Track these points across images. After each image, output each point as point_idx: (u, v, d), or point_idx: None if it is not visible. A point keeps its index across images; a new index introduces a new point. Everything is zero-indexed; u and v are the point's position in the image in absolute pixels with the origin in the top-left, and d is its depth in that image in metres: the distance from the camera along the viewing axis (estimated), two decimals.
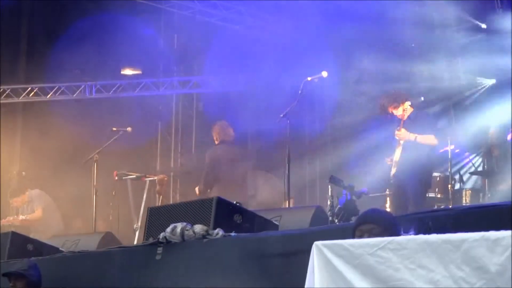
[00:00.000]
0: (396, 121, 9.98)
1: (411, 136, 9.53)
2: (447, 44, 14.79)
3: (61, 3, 15.52)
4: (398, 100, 9.86)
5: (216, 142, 11.76)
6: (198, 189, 11.62)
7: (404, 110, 9.77)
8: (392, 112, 9.91)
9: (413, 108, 9.91)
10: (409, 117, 9.78)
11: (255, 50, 16.15)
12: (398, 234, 4.35)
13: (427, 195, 11.98)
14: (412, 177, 9.51)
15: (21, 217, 12.64)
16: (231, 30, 16.15)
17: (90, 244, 8.80)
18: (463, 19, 14.32)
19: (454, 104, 14.97)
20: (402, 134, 9.58)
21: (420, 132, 9.60)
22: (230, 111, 16.51)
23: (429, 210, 6.53)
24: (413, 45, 15.04)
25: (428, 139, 9.60)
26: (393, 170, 9.71)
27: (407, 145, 9.62)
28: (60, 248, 8.63)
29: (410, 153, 9.56)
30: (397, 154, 9.67)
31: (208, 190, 11.40)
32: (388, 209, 11.31)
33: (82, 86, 16.97)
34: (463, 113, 14.70)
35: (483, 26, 14.35)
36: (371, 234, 4.56)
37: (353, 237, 4.68)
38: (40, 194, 13.25)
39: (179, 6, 15.71)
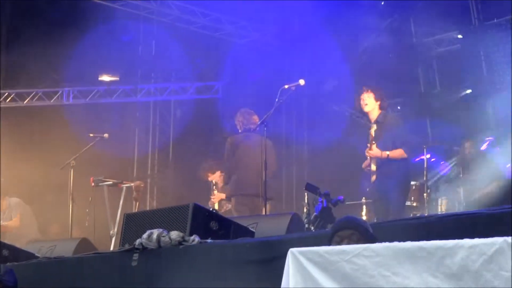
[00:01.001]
0: (366, 124, 9.98)
1: (383, 154, 9.53)
2: (423, 53, 14.89)
3: (39, 8, 15.45)
4: (375, 91, 9.84)
5: (240, 131, 11.59)
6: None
7: (368, 104, 9.78)
8: (361, 98, 9.88)
9: (381, 110, 9.87)
10: (377, 120, 9.75)
11: (233, 57, 16.18)
12: (374, 241, 4.37)
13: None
14: (392, 185, 9.53)
15: None
16: (209, 37, 16.17)
17: (66, 250, 8.77)
18: (440, 29, 14.42)
19: (430, 113, 15.05)
20: (373, 152, 9.57)
21: (390, 140, 9.59)
22: (207, 118, 16.55)
23: (405, 218, 6.58)
24: (390, 55, 15.12)
25: (399, 154, 9.64)
26: (373, 178, 9.73)
27: (381, 159, 9.64)
28: (36, 254, 8.58)
29: (387, 164, 9.59)
30: (373, 166, 9.69)
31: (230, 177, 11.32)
32: (364, 217, 11.36)
33: (60, 92, 16.92)
34: (439, 122, 14.78)
35: (459, 36, 14.45)
36: (351, 240, 4.58)
37: (329, 243, 4.69)
38: (18, 202, 13.25)
39: (158, 13, 15.71)
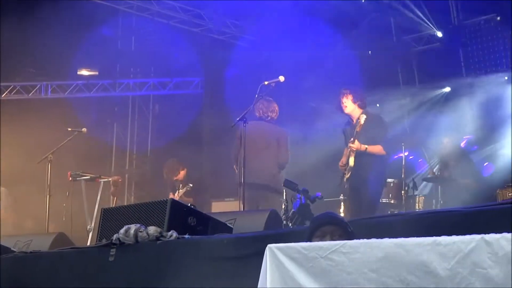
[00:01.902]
0: (348, 123, 10.00)
1: (362, 147, 9.57)
2: (403, 51, 14.94)
3: (15, 2, 15.35)
4: (353, 93, 9.89)
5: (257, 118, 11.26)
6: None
7: (348, 106, 9.83)
8: (341, 102, 9.91)
9: (361, 109, 9.90)
10: (358, 119, 9.77)
11: (213, 52, 16.17)
12: (354, 238, 4.36)
13: (380, 201, 12.11)
14: (366, 182, 9.57)
15: None
16: (189, 33, 16.13)
17: (43, 244, 8.70)
18: (420, 27, 14.47)
19: (408, 110, 15.11)
20: (355, 146, 9.60)
21: (371, 136, 9.64)
22: (186, 114, 16.52)
23: (382, 215, 6.59)
24: (369, 52, 15.17)
25: (377, 149, 9.69)
26: (347, 175, 9.74)
27: (360, 152, 9.67)
28: (12, 248, 8.52)
29: (364, 158, 9.62)
30: (351, 161, 9.71)
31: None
32: (342, 214, 11.39)
33: (38, 86, 16.84)
34: (418, 120, 14.85)
35: (439, 34, 14.50)
36: (334, 235, 4.57)
37: (310, 237, 4.67)
38: (6, 193, 13.23)
39: (137, 8, 15.65)
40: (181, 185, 13.32)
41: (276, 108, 10.92)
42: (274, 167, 10.48)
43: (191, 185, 13.33)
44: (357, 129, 9.61)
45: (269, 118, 10.86)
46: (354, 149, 9.61)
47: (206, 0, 15.35)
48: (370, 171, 9.57)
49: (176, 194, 13.18)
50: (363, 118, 9.58)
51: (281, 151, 10.57)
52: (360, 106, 9.90)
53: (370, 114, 9.86)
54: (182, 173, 13.50)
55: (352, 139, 9.66)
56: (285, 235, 5.60)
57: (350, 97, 9.87)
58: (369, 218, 5.65)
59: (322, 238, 4.59)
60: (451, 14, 14.23)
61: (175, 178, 13.48)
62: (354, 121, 9.85)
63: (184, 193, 13.30)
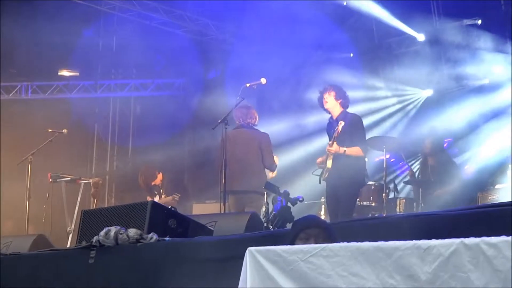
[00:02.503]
0: (330, 123, 9.95)
1: (340, 150, 9.49)
2: (385, 53, 14.98)
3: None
4: (337, 91, 9.85)
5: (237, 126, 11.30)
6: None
7: (330, 102, 9.80)
8: (323, 97, 9.87)
9: (342, 109, 9.88)
10: (337, 118, 9.74)
11: (194, 54, 16.16)
12: (336, 241, 4.34)
13: (361, 203, 12.12)
14: (343, 184, 9.54)
15: None
16: (171, 34, 16.11)
17: (22, 246, 8.65)
18: (401, 30, 14.51)
19: (390, 113, 15.15)
20: (334, 148, 9.54)
21: (349, 137, 9.64)
22: (168, 116, 16.50)
23: (363, 218, 6.59)
24: (351, 54, 15.21)
25: (355, 151, 9.60)
26: (325, 175, 9.72)
27: (338, 154, 9.62)
28: None
29: (341, 161, 9.58)
30: (329, 163, 9.68)
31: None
32: (323, 217, 11.39)
33: (18, 86, 16.75)
34: (400, 122, 14.89)
35: (421, 37, 14.55)
36: (318, 238, 4.55)
37: (293, 240, 4.65)
38: None
39: (119, 8, 15.60)
40: (161, 190, 13.27)
41: (255, 114, 10.93)
42: (259, 173, 10.45)
43: (178, 194, 13.22)
44: (335, 134, 9.60)
45: (250, 124, 10.87)
46: (333, 152, 9.60)
47: (188, 1, 15.33)
48: (348, 173, 9.54)
49: (159, 198, 13.13)
50: (340, 125, 9.56)
51: (265, 155, 10.57)
52: (342, 105, 9.83)
53: (350, 115, 9.83)
54: (159, 177, 13.43)
55: (330, 142, 9.64)
56: (265, 237, 5.59)
57: (332, 93, 9.81)
58: (350, 221, 5.67)
59: (306, 241, 4.58)
60: (432, 16, 14.26)
61: (152, 183, 13.43)
62: (335, 117, 9.80)
63: (167, 202, 13.22)
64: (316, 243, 4.38)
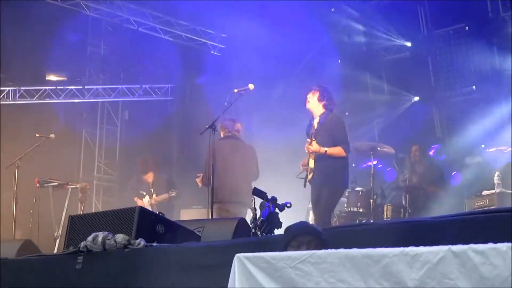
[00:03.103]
0: (310, 124, 9.89)
1: (321, 150, 9.43)
2: (372, 60, 15.02)
3: None
4: (321, 92, 9.81)
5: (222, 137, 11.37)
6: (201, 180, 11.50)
7: (312, 102, 9.78)
8: (307, 97, 9.84)
9: (325, 110, 9.86)
10: (319, 122, 9.71)
11: (182, 59, 16.16)
12: (328, 247, 4.32)
13: (349, 209, 12.14)
14: (327, 183, 9.51)
15: None
16: (158, 39, 16.11)
17: (9, 251, 8.61)
18: (389, 37, 14.56)
19: (377, 119, 15.18)
20: (313, 148, 9.49)
21: (331, 137, 9.58)
22: (156, 120, 16.49)
23: (351, 225, 6.59)
24: (339, 61, 15.24)
25: (337, 152, 9.51)
26: (309, 176, 9.68)
27: (320, 155, 9.55)
28: None
29: (324, 162, 9.54)
30: (311, 163, 9.64)
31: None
32: (311, 222, 11.38)
33: (5, 91, 16.67)
34: (387, 128, 14.92)
35: (408, 44, 14.61)
36: (309, 246, 4.53)
37: (285, 248, 4.64)
38: None
39: (107, 14, 15.59)
40: (152, 190, 13.26)
41: (239, 126, 11.03)
42: (248, 184, 10.46)
43: (175, 191, 13.20)
44: (312, 131, 9.57)
45: (236, 136, 10.96)
46: (311, 151, 9.56)
47: (176, 7, 15.33)
48: (332, 175, 9.51)
49: (150, 198, 13.12)
50: (315, 121, 9.57)
51: (252, 168, 10.62)
52: (325, 107, 9.77)
53: (331, 115, 9.77)
54: (150, 175, 13.43)
55: (309, 140, 9.60)
56: (253, 243, 5.60)
57: (316, 94, 9.76)
58: (338, 227, 5.69)
59: (297, 248, 4.56)
60: (420, 24, 14.32)
61: (144, 178, 13.42)
62: (315, 118, 9.78)
63: (164, 199, 13.21)
64: (307, 250, 4.38)
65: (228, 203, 10.54)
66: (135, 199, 13.18)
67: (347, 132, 9.86)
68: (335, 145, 9.53)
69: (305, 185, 9.83)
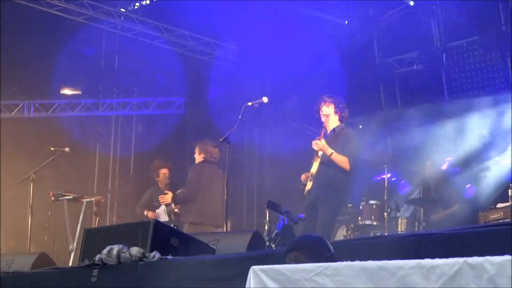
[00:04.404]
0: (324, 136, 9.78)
1: (328, 150, 9.24)
2: (386, 73, 14.99)
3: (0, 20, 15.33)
4: (337, 104, 9.69)
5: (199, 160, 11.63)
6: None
7: (328, 115, 9.70)
8: (321, 109, 9.76)
9: (340, 122, 9.75)
10: (334, 129, 9.64)
11: (196, 73, 16.20)
12: (328, 261, 4.29)
13: (363, 222, 12.11)
14: (327, 192, 9.31)
15: None
16: (172, 53, 16.17)
17: (25, 264, 8.65)
18: (402, 50, 14.55)
19: (391, 132, 15.13)
20: (321, 144, 9.29)
21: (340, 148, 9.36)
22: (169, 134, 16.53)
23: (365, 237, 6.59)
24: (352, 73, 15.21)
25: (342, 160, 9.30)
26: (309, 185, 9.41)
27: (325, 159, 9.37)
28: None
29: (328, 168, 9.38)
30: (315, 167, 9.40)
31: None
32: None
33: (20, 105, 16.78)
34: (400, 142, 14.87)
35: (421, 57, 14.57)
36: (297, 262, 4.53)
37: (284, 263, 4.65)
38: None
39: (121, 28, 15.67)
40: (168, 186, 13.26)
41: (218, 152, 11.27)
42: (221, 209, 10.40)
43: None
44: (323, 131, 9.42)
45: (213, 161, 11.32)
46: (319, 148, 9.34)
47: (189, 20, 15.38)
48: (328, 192, 9.31)
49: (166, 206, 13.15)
50: (329, 130, 9.50)
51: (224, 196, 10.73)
52: (340, 119, 9.73)
53: (346, 130, 9.67)
54: (162, 171, 13.41)
55: (319, 138, 9.44)
56: (268, 256, 5.60)
57: (331, 106, 9.67)
58: (352, 239, 5.67)
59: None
60: (433, 36, 14.30)
61: (157, 179, 13.42)
62: (329, 130, 9.66)
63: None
64: None
65: (206, 226, 10.73)
66: (145, 212, 13.14)
67: (358, 148, 9.72)
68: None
69: (304, 194, 9.59)
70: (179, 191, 11.74)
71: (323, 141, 9.36)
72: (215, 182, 11.00)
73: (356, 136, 9.78)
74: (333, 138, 9.51)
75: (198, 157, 11.57)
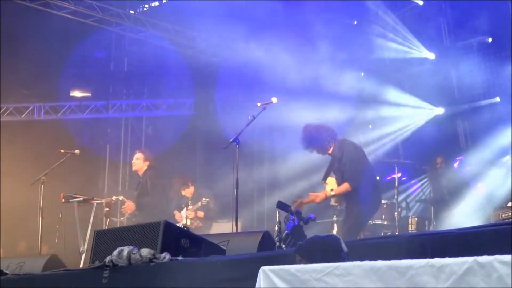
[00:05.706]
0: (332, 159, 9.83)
1: (328, 194, 9.50)
2: (395, 72, 14.97)
3: (10, 22, 15.35)
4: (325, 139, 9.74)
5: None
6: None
7: (325, 152, 9.77)
8: (320, 152, 9.84)
9: (333, 146, 9.66)
10: (333, 155, 9.67)
11: (205, 74, 16.20)
12: (341, 261, 4.26)
13: (373, 222, 12.10)
14: (357, 203, 9.44)
15: None
16: (181, 54, 16.18)
17: (35, 267, 8.68)
18: (412, 50, 14.53)
19: (401, 131, 15.12)
20: (320, 197, 9.51)
21: (348, 166, 9.43)
22: (179, 135, 16.53)
23: (375, 237, 6.58)
24: (362, 74, 15.22)
25: (343, 189, 9.40)
26: (332, 201, 9.71)
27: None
28: (5, 271, 8.49)
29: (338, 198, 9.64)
30: (332, 201, 9.70)
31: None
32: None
33: (31, 108, 16.83)
34: (411, 141, 14.85)
35: (431, 56, 14.56)
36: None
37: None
38: None
39: (130, 30, 15.69)
40: (190, 202, 13.32)
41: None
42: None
43: (206, 199, 13.29)
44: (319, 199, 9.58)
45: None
46: (320, 200, 9.55)
47: (198, 22, 15.39)
48: (346, 215, 9.60)
49: (186, 210, 13.17)
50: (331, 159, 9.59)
51: None
52: (332, 146, 9.72)
53: (343, 147, 9.65)
54: (191, 189, 13.54)
55: (314, 194, 9.63)
56: (278, 257, 5.59)
57: (314, 149, 9.80)
58: (362, 239, 5.66)
59: None
60: (443, 36, 14.29)
61: (183, 193, 13.47)
62: (331, 153, 9.73)
63: (198, 208, 13.31)
64: None
65: None
66: (174, 212, 13.24)
67: (359, 161, 9.68)
68: (343, 181, 9.44)
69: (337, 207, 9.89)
70: None
71: (320, 194, 9.55)
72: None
73: (353, 150, 9.71)
74: (336, 162, 9.59)
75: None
